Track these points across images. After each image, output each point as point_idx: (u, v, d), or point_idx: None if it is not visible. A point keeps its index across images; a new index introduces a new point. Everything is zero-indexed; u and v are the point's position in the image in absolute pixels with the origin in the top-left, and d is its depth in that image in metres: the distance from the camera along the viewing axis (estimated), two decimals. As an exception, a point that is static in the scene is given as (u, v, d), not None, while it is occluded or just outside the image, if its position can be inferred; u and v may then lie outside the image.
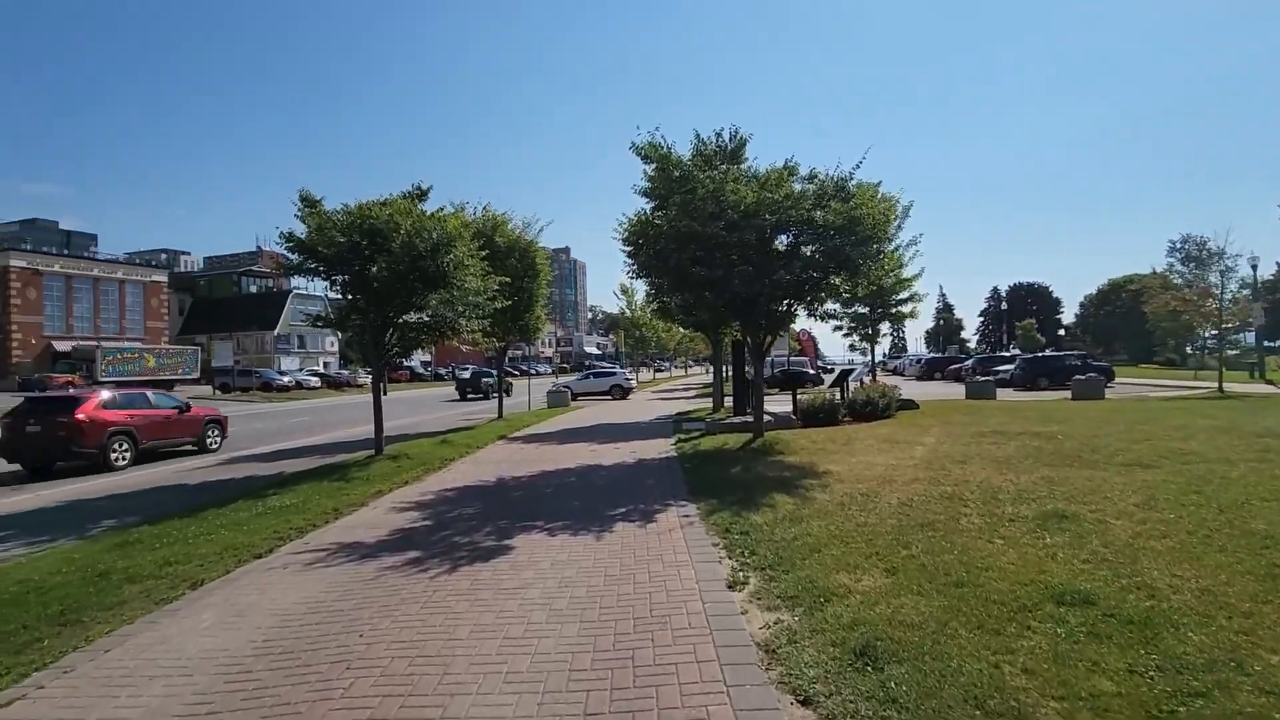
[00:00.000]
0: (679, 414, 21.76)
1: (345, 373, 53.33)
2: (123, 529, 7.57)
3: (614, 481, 9.65)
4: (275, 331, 67.89)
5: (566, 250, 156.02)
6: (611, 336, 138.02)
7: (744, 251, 10.89)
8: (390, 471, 10.71)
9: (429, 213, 11.85)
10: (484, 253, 13.49)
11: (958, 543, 5.44)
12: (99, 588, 5.35)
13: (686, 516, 7.17)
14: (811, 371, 37.76)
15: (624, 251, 12.60)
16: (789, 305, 12.28)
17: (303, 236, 11.29)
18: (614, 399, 34.18)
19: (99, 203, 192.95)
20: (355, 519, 7.74)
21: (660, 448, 13.09)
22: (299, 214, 11.34)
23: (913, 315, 21.76)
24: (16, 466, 12.95)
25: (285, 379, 47.60)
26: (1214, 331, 25.41)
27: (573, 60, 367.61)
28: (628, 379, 37.43)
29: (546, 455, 12.56)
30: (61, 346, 53.00)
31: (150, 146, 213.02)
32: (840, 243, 10.96)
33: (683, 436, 14.28)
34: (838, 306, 18.92)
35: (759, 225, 10.60)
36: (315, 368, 65.04)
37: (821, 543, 5.65)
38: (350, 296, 12.13)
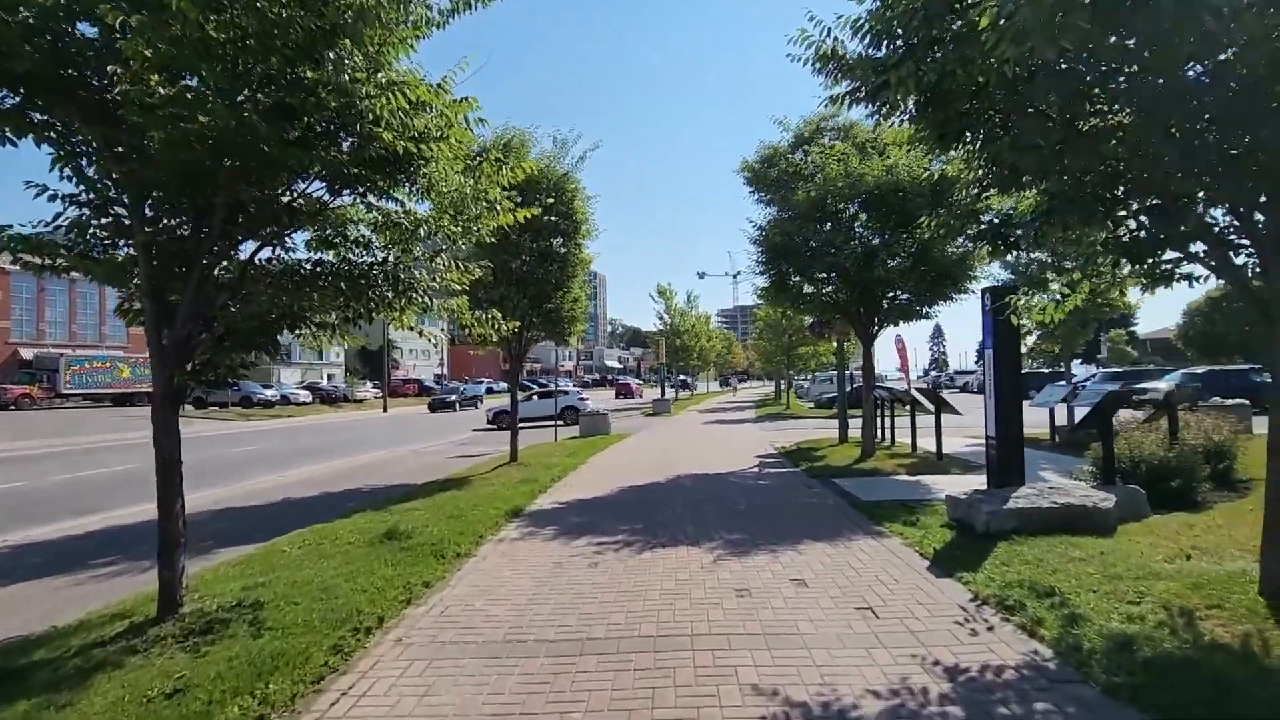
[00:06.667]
0: (782, 452, 14.61)
1: (342, 386, 46.80)
2: None
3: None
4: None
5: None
6: (634, 350, 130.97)
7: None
8: None
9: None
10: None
11: None
12: None
13: None
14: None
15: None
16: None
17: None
18: (646, 415, 27.27)
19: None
20: None
21: (928, 595, 6.03)
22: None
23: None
24: None
25: (269, 393, 41.23)
26: None
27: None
28: (664, 400, 30.31)
29: (621, 619, 5.42)
30: (27, 354, 47.33)
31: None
32: None
33: (955, 547, 7.08)
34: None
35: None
36: (319, 380, 58.68)
37: None
38: (99, 185, 4.62)
